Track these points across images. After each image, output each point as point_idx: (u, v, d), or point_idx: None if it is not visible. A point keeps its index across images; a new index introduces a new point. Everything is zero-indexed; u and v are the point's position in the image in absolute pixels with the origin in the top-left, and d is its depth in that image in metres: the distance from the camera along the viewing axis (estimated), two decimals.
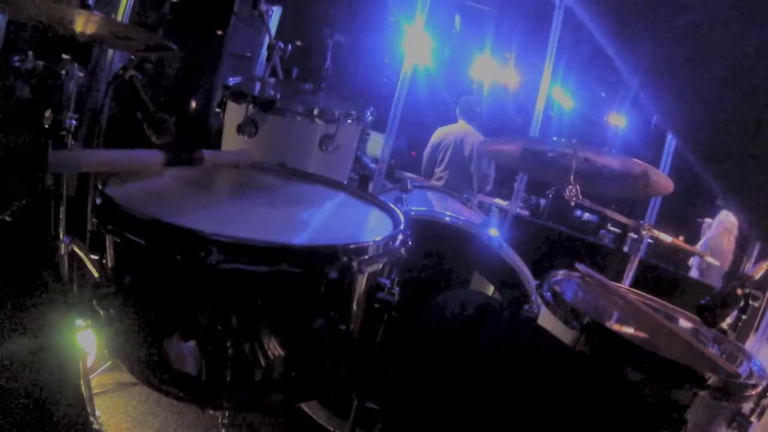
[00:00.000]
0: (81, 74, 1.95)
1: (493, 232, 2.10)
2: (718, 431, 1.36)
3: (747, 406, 1.35)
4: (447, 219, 2.12)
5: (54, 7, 1.67)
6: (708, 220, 5.48)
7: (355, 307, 1.24)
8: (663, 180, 2.18)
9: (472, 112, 4.61)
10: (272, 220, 1.38)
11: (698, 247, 4.95)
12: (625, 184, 2.27)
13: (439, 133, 4.61)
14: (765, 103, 0.33)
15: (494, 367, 1.37)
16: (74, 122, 1.94)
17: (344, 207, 1.58)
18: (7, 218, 2.38)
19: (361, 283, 1.23)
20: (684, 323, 1.80)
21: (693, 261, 5.20)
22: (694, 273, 5.07)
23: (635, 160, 2.12)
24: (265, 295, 1.13)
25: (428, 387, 1.42)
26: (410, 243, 1.34)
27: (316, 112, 1.96)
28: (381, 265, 1.24)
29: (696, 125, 0.39)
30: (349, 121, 2.04)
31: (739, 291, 1.26)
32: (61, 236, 1.90)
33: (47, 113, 1.99)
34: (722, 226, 5.27)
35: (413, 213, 2.07)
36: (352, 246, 1.16)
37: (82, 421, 1.43)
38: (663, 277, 3.96)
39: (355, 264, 1.15)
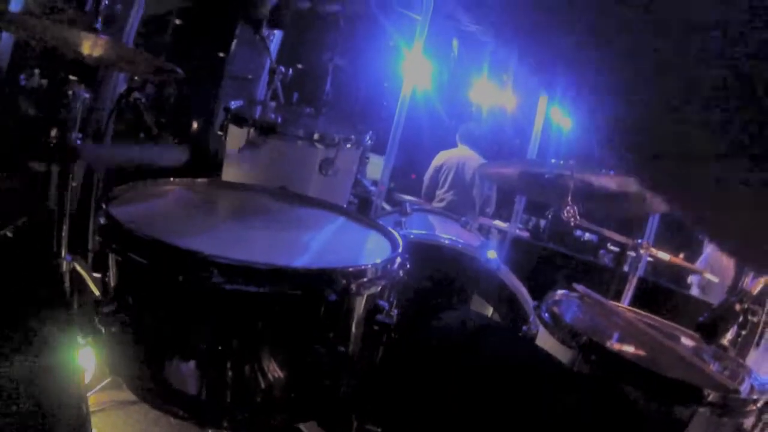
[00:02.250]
0: (87, 96, 1.99)
1: (491, 254, 2.12)
2: None
3: (748, 422, 1.35)
4: (446, 242, 2.14)
5: (62, 29, 1.71)
6: None
7: (354, 328, 1.26)
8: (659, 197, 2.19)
9: (471, 137, 4.67)
10: (273, 243, 1.40)
11: (698, 263, 4.94)
12: (623, 202, 2.28)
13: (441, 157, 4.66)
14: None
15: (493, 386, 1.37)
16: (79, 142, 1.97)
17: (343, 230, 1.61)
18: (9, 234, 2.40)
19: (360, 305, 1.25)
20: (684, 341, 1.80)
21: (693, 278, 5.18)
22: (695, 290, 5.04)
23: (631, 178, 2.13)
24: (264, 316, 1.15)
25: (428, 407, 1.42)
26: (408, 266, 1.36)
27: (316, 136, 1.99)
28: (379, 288, 1.26)
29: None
30: (349, 145, 2.07)
31: (737, 307, 1.27)
32: (63, 254, 1.91)
33: (53, 132, 2.03)
34: None
35: (413, 236, 2.09)
36: (350, 269, 1.18)
37: None
38: (663, 295, 3.96)
39: (353, 286, 1.17)
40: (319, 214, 1.70)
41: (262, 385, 1.18)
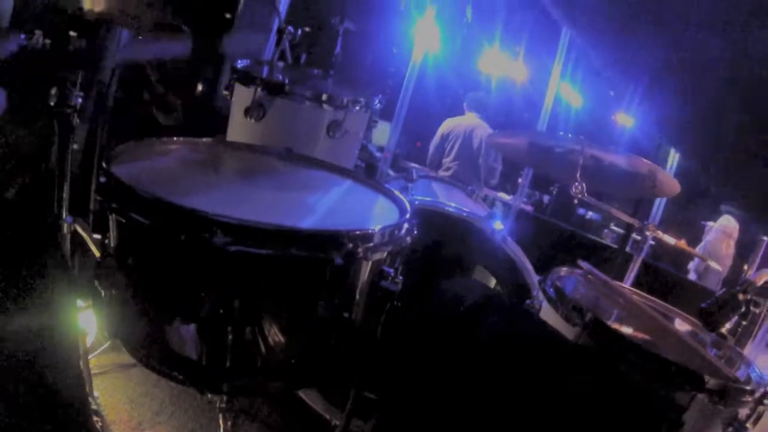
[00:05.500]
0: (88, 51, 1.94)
1: (498, 225, 2.09)
2: None
3: (743, 412, 1.35)
4: (451, 210, 2.11)
5: None
6: (711, 224, 5.47)
7: (358, 294, 1.24)
8: (670, 181, 2.16)
9: (480, 106, 4.60)
10: (278, 204, 1.37)
11: (697, 250, 4.95)
12: (632, 183, 2.25)
13: (448, 124, 4.59)
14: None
15: (495, 358, 1.36)
16: (80, 100, 1.93)
17: (351, 194, 1.57)
18: (10, 197, 2.38)
19: (366, 270, 1.22)
20: (685, 326, 1.79)
21: (691, 264, 5.21)
22: (692, 276, 5.07)
23: (643, 159, 2.10)
24: (268, 279, 1.12)
25: (427, 377, 1.41)
26: (415, 232, 1.33)
27: (324, 97, 1.95)
28: (385, 254, 1.24)
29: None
30: (358, 107, 2.03)
31: (741, 296, 1.26)
32: (63, 215, 1.89)
33: (53, 90, 1.98)
34: (722, 231, 5.27)
35: (417, 202, 2.06)
36: (357, 232, 1.15)
37: (80, 401, 1.43)
38: (662, 279, 3.96)
39: (360, 251, 1.14)
40: (326, 176, 1.67)
41: (263, 351, 1.16)
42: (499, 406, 1.29)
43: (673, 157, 3.50)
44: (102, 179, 1.19)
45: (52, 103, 1.94)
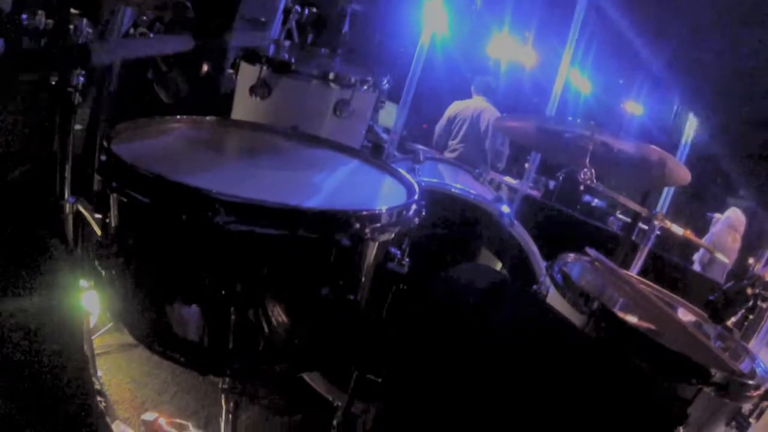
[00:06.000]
0: (90, 30, 1.91)
1: (505, 209, 2.07)
2: (717, 429, 1.35)
3: (747, 407, 1.35)
4: (458, 192, 2.08)
5: None
6: (717, 215, 5.43)
7: (364, 276, 1.22)
8: (680, 169, 2.13)
9: (488, 90, 4.56)
10: (283, 183, 1.35)
11: (703, 241, 4.92)
12: (641, 171, 2.22)
13: (456, 107, 4.57)
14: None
15: (501, 344, 1.35)
16: (82, 79, 1.90)
17: (357, 174, 1.54)
18: (12, 177, 2.36)
19: (372, 251, 1.20)
20: (691, 317, 1.78)
21: (695, 255, 5.18)
22: (696, 267, 5.05)
23: (653, 146, 2.06)
24: (272, 259, 1.10)
25: (432, 362, 1.40)
26: (424, 213, 1.30)
27: (331, 76, 1.92)
28: (393, 235, 1.21)
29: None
30: (365, 87, 2.00)
31: (749, 290, 1.25)
32: (66, 196, 1.87)
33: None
34: (728, 223, 5.23)
35: (424, 183, 2.03)
36: (365, 213, 1.12)
37: (84, 381, 1.42)
38: (668, 268, 3.94)
39: (367, 231, 1.11)
40: (332, 155, 1.64)
41: (266, 332, 1.15)
42: (505, 392, 1.27)
43: (684, 148, 3.47)
44: (102, 158, 1.16)
45: (53, 83, 1.91)
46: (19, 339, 1.23)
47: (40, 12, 3.24)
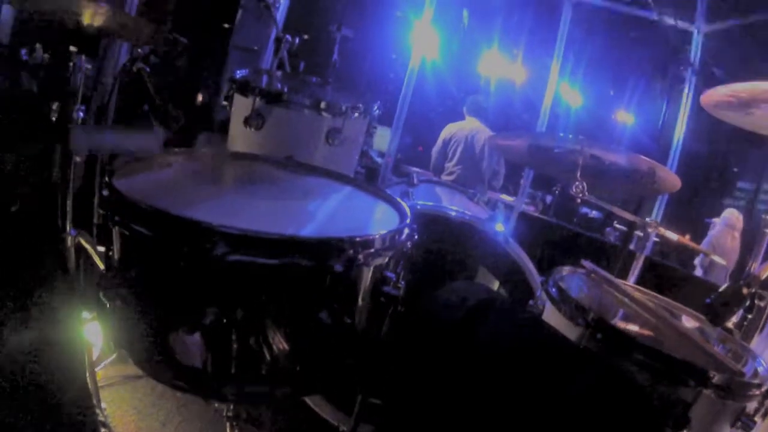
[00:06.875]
0: (89, 66, 1.95)
1: (499, 227, 2.10)
2: (721, 430, 1.35)
3: (751, 406, 1.34)
4: (453, 213, 2.11)
5: None
6: (716, 220, 5.46)
7: (360, 300, 1.24)
8: (670, 177, 2.17)
9: (480, 109, 4.61)
10: (279, 213, 1.38)
11: (702, 245, 4.92)
12: (632, 181, 2.25)
13: (450, 129, 4.61)
14: None
15: (497, 361, 1.36)
16: (82, 114, 1.95)
17: (351, 200, 1.58)
18: (15, 210, 2.39)
19: (367, 276, 1.23)
20: (690, 321, 1.79)
21: (697, 259, 5.19)
22: (698, 271, 5.05)
23: (642, 157, 2.10)
24: (270, 287, 1.13)
25: (431, 381, 1.41)
26: (416, 237, 1.33)
27: (323, 105, 1.96)
28: (387, 259, 1.24)
29: None
30: (356, 114, 2.03)
31: (744, 290, 1.24)
32: (67, 228, 1.90)
33: (54, 105, 2.00)
34: (726, 224, 5.26)
35: (419, 207, 2.06)
36: (358, 239, 1.16)
37: (88, 413, 1.43)
38: (668, 275, 3.94)
39: (361, 257, 1.15)
40: (326, 183, 1.67)
41: (267, 358, 1.17)
42: (503, 408, 1.28)
43: (674, 155, 3.51)
44: (104, 192, 1.20)
45: (53, 118, 1.96)
46: (22, 372, 1.24)
47: (38, 46, 3.29)
